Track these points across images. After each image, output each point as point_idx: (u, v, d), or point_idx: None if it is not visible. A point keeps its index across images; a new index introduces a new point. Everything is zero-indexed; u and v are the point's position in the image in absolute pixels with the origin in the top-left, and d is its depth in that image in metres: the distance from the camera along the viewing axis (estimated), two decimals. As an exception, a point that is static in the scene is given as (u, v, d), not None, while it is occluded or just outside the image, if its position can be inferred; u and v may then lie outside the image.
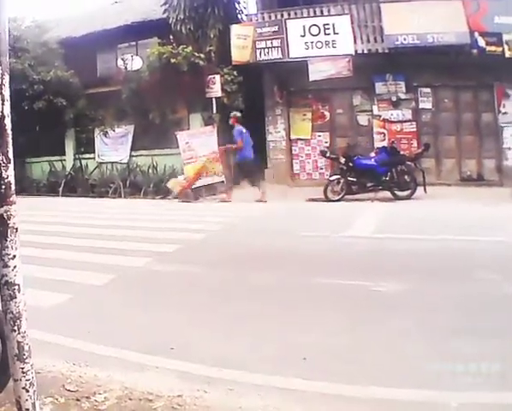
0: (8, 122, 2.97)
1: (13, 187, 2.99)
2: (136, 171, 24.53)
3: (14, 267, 3.00)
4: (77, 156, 26.74)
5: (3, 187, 2.94)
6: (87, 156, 26.36)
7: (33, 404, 3.17)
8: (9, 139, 2.98)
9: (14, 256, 2.99)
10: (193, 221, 15.31)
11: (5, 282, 3.00)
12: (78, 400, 4.61)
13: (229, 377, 5.03)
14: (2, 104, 2.91)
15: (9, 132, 2.98)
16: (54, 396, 4.55)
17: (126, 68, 23.84)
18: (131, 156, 25.16)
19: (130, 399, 4.63)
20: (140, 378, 5.08)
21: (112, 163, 25.52)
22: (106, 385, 4.90)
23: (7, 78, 2.93)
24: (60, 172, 26.50)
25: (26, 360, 3.12)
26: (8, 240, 2.96)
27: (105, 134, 25.49)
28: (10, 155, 2.98)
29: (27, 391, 3.14)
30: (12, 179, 2.99)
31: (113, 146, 25.63)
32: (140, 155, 24.71)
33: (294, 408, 4.45)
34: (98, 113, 25.37)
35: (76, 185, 25.38)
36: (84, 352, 5.75)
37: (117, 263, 9.88)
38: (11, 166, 2.98)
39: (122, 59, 24.15)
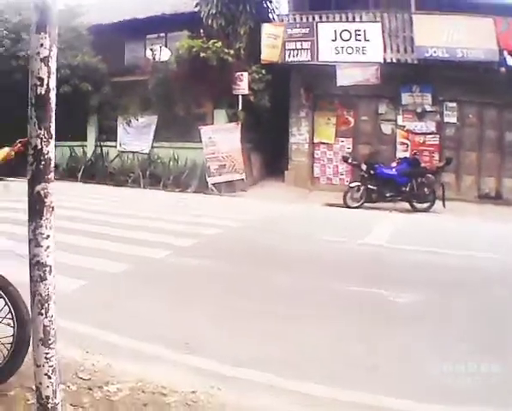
0: (52, 95, 2.89)
1: (52, 164, 2.91)
2: (157, 163, 24.41)
3: (48, 248, 2.92)
4: (98, 143, 26.68)
5: (43, 163, 2.86)
6: (109, 143, 26.26)
7: (54, 391, 3.10)
8: (53, 114, 2.90)
9: (48, 236, 2.91)
10: (211, 217, 15.29)
11: (36, 263, 2.92)
12: (90, 389, 4.59)
13: (243, 375, 5.05)
14: (49, 77, 2.84)
15: (53, 106, 2.90)
16: (66, 384, 4.51)
17: (154, 58, 23.81)
18: (152, 147, 25.08)
19: (143, 391, 4.62)
20: (154, 371, 5.04)
21: (133, 152, 25.44)
22: (119, 376, 4.88)
23: (55, 50, 2.85)
24: (80, 158, 26.46)
25: (52, 346, 3.05)
26: (44, 218, 2.88)
27: (128, 122, 25.45)
28: (52, 130, 2.90)
29: (49, 378, 3.06)
30: (52, 155, 2.91)
31: (135, 136, 25.51)
32: (162, 146, 24.59)
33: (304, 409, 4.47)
34: (122, 101, 25.29)
35: (96, 172, 25.40)
36: (97, 340, 5.72)
37: (134, 253, 9.88)
38: (52, 142, 2.90)
39: (151, 49, 24.13)
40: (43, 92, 2.84)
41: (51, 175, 2.90)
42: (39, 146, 2.84)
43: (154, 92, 23.88)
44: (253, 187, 22.71)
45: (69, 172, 25.35)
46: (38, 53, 2.81)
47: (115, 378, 4.83)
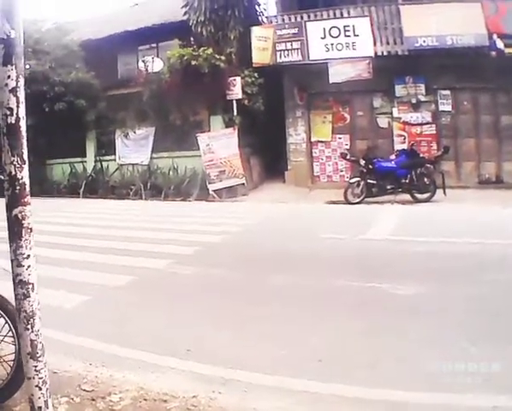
0: (23, 124, 3.01)
1: (27, 188, 3.02)
2: (157, 173, 24.49)
3: (29, 267, 3.04)
4: (98, 158, 26.76)
5: (18, 188, 2.98)
6: (108, 158, 26.33)
7: (46, 402, 3.21)
8: (24, 141, 3.02)
9: (29, 255, 3.03)
10: (213, 223, 15.41)
11: (19, 281, 3.04)
12: (93, 400, 4.66)
13: (243, 378, 5.07)
14: (18, 107, 2.96)
15: (24, 134, 3.02)
16: (70, 396, 4.60)
17: (147, 69, 23.93)
18: (152, 158, 25.14)
19: (145, 399, 4.67)
20: (156, 378, 5.12)
21: (133, 165, 25.50)
22: (122, 386, 4.95)
23: (22, 81, 2.98)
24: (81, 174, 26.54)
25: (40, 359, 3.15)
26: (23, 239, 3.00)
27: (126, 135, 25.52)
28: (25, 156, 3.02)
29: (40, 389, 3.17)
30: (27, 180, 3.02)
31: (134, 148, 25.58)
32: (161, 157, 24.67)
33: (307, 409, 4.50)
34: (118, 115, 25.34)
35: (97, 186, 25.50)
36: (100, 352, 5.81)
37: (137, 265, 9.96)
38: (26, 167, 3.01)
39: (143, 61, 24.27)
40: (13, 122, 2.96)
41: (28, 199, 3.01)
42: (13, 172, 2.96)
43: (149, 103, 23.93)
44: (254, 191, 22.78)
45: (71, 189, 25.48)
46: (7, 85, 2.94)
47: (117, 387, 4.90)
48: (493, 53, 19.84)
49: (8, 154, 2.97)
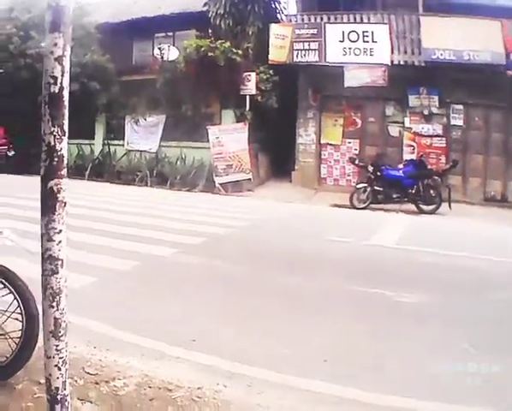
0: (66, 94, 2.93)
1: (65, 160, 2.95)
2: (164, 162, 24.45)
3: (60, 242, 2.96)
4: (106, 141, 26.72)
5: (56, 159, 2.90)
6: (116, 142, 26.23)
7: (64, 383, 3.12)
8: (66, 112, 2.94)
9: (61, 230, 2.95)
10: (219, 216, 15.33)
11: (48, 257, 2.96)
12: (97, 383, 4.63)
13: (248, 373, 5.07)
14: (62, 76, 2.88)
15: (66, 104, 2.94)
16: (73, 378, 4.52)
17: (162, 57, 23.83)
18: (160, 146, 25.12)
19: (150, 387, 4.64)
20: (160, 367, 5.09)
21: (141, 151, 25.47)
22: (126, 371, 4.92)
23: (68, 50, 2.89)
24: (88, 156, 26.49)
25: (62, 338, 3.07)
26: (56, 213, 2.92)
27: (136, 121, 25.47)
28: (66, 128, 2.94)
29: (59, 369, 3.09)
30: (65, 152, 2.94)
31: (143, 135, 25.55)
32: (170, 146, 24.61)
33: (310, 408, 4.49)
34: (130, 100, 25.29)
35: (103, 170, 25.45)
36: (104, 336, 5.77)
37: (143, 251, 9.94)
38: (65, 139, 2.94)
39: (159, 48, 24.12)
40: (56, 91, 2.88)
41: (64, 172, 2.94)
42: (52, 143, 2.88)
43: (162, 91, 23.93)
44: (259, 187, 22.77)
45: (77, 170, 25.28)
46: (52, 52, 2.85)
47: (121, 373, 4.87)
48: (509, 72, 19.80)
49: (49, 124, 2.88)
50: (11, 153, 24.92)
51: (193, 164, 23.46)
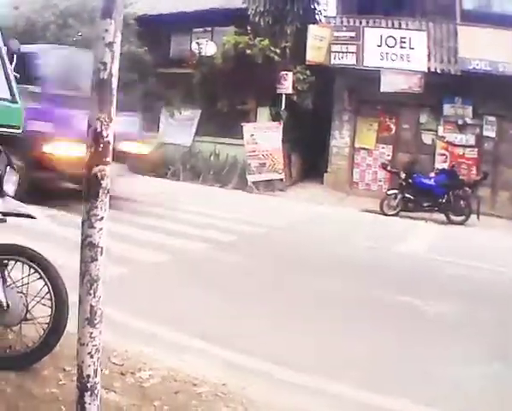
0: (115, 80, 2.96)
1: (111, 147, 2.95)
2: (197, 157, 24.48)
3: (101, 229, 2.97)
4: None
5: (102, 145, 2.90)
6: (150, 134, 26.33)
7: (95, 371, 3.14)
8: (114, 99, 2.96)
9: (102, 217, 2.96)
10: (254, 215, 15.43)
11: (88, 243, 2.97)
12: (123, 374, 4.67)
13: (275, 373, 5.14)
14: (112, 62, 2.90)
15: (115, 91, 2.97)
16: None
17: (200, 52, 23.89)
18: (194, 140, 25.22)
19: (175, 380, 4.69)
20: (186, 360, 5.10)
21: (175, 145, 25.47)
22: (151, 363, 4.97)
23: (119, 36, 2.94)
24: (121, 148, 26.43)
25: (97, 326, 3.09)
26: (99, 200, 2.93)
27: (172, 115, 25.51)
28: (113, 114, 2.95)
29: (92, 357, 3.10)
30: (111, 139, 2.95)
31: (178, 129, 25.52)
32: (204, 141, 24.65)
33: None
34: (166, 93, 25.35)
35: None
36: (132, 327, 5.81)
37: (177, 245, 10.03)
38: (112, 126, 2.94)
39: (197, 43, 24.19)
40: (105, 77, 2.89)
41: (109, 158, 2.94)
42: (99, 129, 2.88)
43: (198, 86, 23.93)
44: (291, 188, 22.79)
45: (110, 161, 25.48)
46: (103, 38, 2.87)
47: (147, 364, 4.91)
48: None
49: (96, 110, 2.89)
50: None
51: (227, 161, 23.45)
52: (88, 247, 2.96)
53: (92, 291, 3.01)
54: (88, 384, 3.11)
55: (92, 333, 3.07)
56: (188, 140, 25.33)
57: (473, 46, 20.39)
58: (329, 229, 15.17)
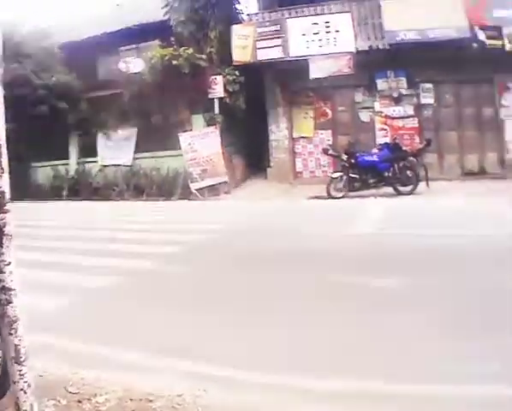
0: (2, 132, 3.02)
1: (7, 196, 3.03)
2: (140, 174, 24.45)
3: (10, 273, 3.06)
4: (80, 159, 26.71)
5: (-2, 197, 2.99)
6: (90, 159, 26.17)
7: (31, 405, 3.24)
8: (4, 150, 3.03)
9: (10, 262, 3.06)
10: (197, 222, 15.41)
11: (2, 288, 3.06)
12: (79, 401, 4.65)
13: (228, 375, 5.08)
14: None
15: (3, 142, 3.03)
16: (56, 399, 4.59)
17: (128, 70, 23.86)
18: (134, 158, 25.13)
19: (131, 399, 4.65)
20: (141, 378, 5.15)
21: (116, 165, 25.44)
22: (107, 387, 4.93)
23: (1, 89, 3.00)
24: (64, 176, 26.38)
25: (24, 363, 3.18)
26: (4, 247, 3.02)
27: (108, 136, 25.50)
28: (5, 165, 3.02)
29: (25, 393, 3.20)
30: (7, 188, 3.03)
31: (116, 149, 25.51)
32: (144, 158, 24.63)
33: (294, 406, 4.49)
34: (100, 116, 25.32)
35: (80, 188, 25.39)
36: (84, 354, 5.83)
37: (122, 265, 9.94)
38: (6, 176, 3.02)
39: (124, 62, 24.17)
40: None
41: (8, 206, 3.02)
42: (-8, 182, 2.96)
43: (130, 104, 23.91)
44: (236, 189, 22.88)
45: (54, 192, 25.32)
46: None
47: (103, 389, 4.92)
48: (475, 45, 19.98)
49: (-14, 164, 2.97)
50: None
51: (168, 173, 23.56)
52: (3, 291, 3.06)
53: (12, 331, 3.11)
54: (27, 420, 3.20)
55: (20, 370, 3.16)
56: (129, 159, 25.24)
57: (398, 18, 20.80)
58: (277, 221, 15.12)
